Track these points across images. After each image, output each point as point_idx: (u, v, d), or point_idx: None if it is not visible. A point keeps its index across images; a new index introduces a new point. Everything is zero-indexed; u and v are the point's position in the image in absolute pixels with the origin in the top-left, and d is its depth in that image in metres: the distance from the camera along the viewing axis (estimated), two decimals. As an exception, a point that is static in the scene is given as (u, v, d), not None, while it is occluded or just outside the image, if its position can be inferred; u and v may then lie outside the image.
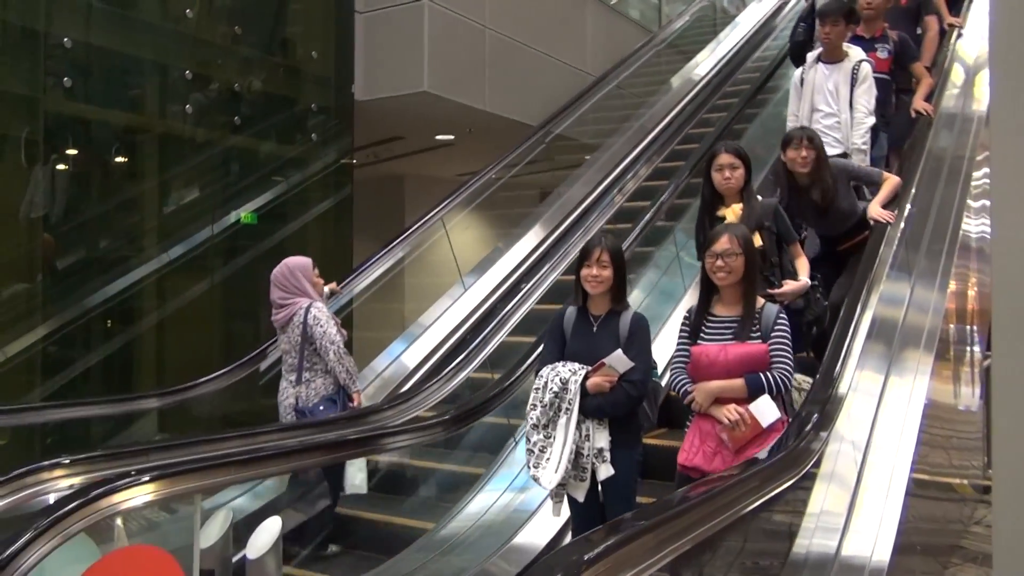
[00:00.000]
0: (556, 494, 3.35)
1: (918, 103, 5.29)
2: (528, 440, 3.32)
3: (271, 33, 7.59)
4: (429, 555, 4.23)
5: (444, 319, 6.07)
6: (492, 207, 7.19)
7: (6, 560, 2.40)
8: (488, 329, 5.68)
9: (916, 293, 4.40)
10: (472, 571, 3.97)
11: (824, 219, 4.45)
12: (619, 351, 3.25)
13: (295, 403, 4.51)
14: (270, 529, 3.37)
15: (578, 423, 3.26)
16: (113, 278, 6.17)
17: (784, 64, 7.36)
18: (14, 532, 2.49)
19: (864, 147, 4.94)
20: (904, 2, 6.08)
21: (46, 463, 3.11)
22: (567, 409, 3.26)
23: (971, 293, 5.15)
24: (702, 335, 3.27)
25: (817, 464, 3.08)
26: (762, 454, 2.78)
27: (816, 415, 3.04)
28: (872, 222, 4.29)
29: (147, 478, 2.86)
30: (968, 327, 5.07)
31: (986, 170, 5.40)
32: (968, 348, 5.03)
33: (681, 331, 3.36)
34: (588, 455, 3.26)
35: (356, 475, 4.36)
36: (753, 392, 3.11)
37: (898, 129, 5.38)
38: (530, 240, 6.63)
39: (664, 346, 4.49)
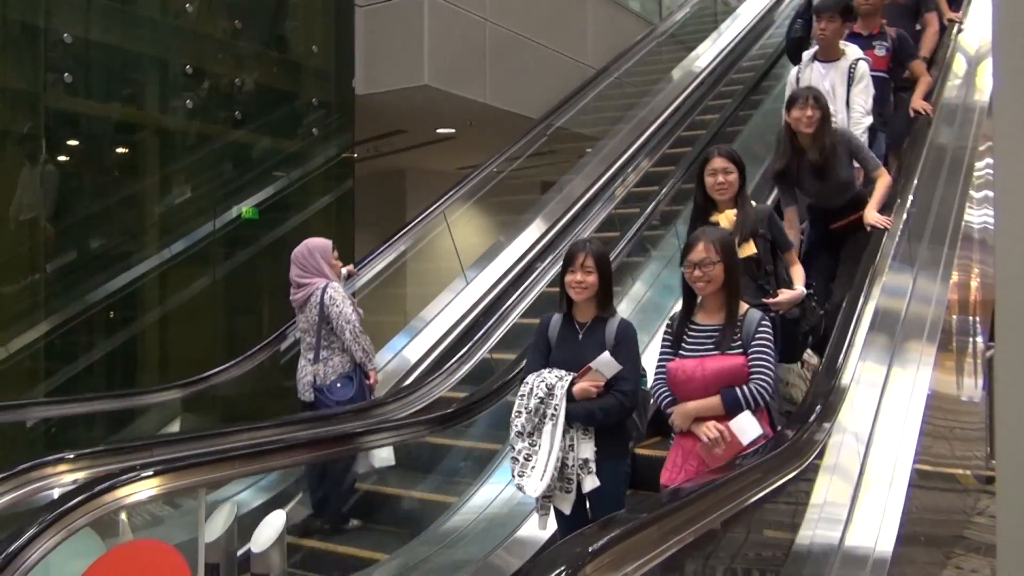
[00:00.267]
0: (542, 506, 3.23)
1: (917, 102, 5.22)
2: (512, 448, 3.20)
3: (271, 27, 7.58)
4: (433, 548, 4.24)
5: (446, 313, 6.08)
6: (494, 200, 7.19)
7: (12, 555, 2.40)
8: (491, 323, 5.67)
9: (918, 284, 4.40)
10: (476, 563, 3.98)
11: (823, 185, 4.35)
12: (606, 353, 3.15)
13: (313, 381, 4.65)
14: (274, 523, 3.38)
15: (564, 432, 3.15)
16: (115, 274, 6.17)
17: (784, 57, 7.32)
18: (19, 527, 2.49)
19: None
20: None
21: (50, 458, 3.10)
22: (552, 415, 3.14)
23: (973, 284, 5.14)
24: (684, 345, 3.13)
25: (820, 455, 3.09)
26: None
27: (819, 406, 3.05)
28: (869, 228, 4.23)
29: (151, 472, 2.87)
30: (970, 318, 5.08)
31: (988, 161, 5.39)
32: (971, 339, 5.03)
33: (663, 340, 3.23)
34: (573, 466, 3.14)
35: (383, 448, 4.40)
36: (731, 409, 2.97)
37: (896, 128, 5.29)
38: (532, 233, 6.63)
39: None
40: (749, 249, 3.72)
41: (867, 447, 3.45)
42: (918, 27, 5.86)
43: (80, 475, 3.09)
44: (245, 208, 7.02)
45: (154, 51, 6.51)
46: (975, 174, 5.30)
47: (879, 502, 3.29)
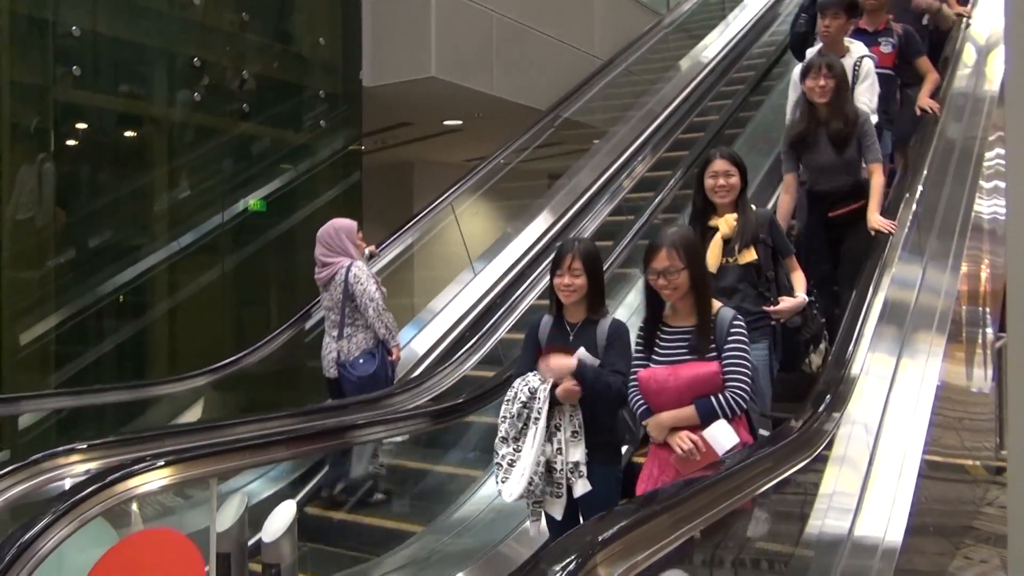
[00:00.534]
0: (533, 512, 3.16)
1: (923, 100, 5.12)
2: (496, 453, 3.14)
3: (278, 20, 7.58)
4: (442, 537, 4.26)
5: (454, 304, 6.09)
6: (501, 192, 7.19)
7: (25, 544, 2.42)
8: (499, 314, 5.68)
9: (928, 275, 4.39)
10: (486, 553, 3.99)
11: (837, 159, 4.27)
12: (582, 349, 3.09)
13: (337, 357, 4.81)
14: (285, 513, 3.39)
15: (549, 436, 3.07)
16: (123, 267, 6.19)
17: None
18: (32, 517, 2.51)
19: None
20: None
21: (61, 448, 3.13)
22: (535, 419, 3.06)
23: (983, 274, 5.12)
24: (657, 350, 3.00)
25: (829, 446, 3.08)
26: None
27: (828, 396, 3.05)
28: (873, 232, 4.16)
29: (163, 462, 2.89)
30: (980, 308, 5.06)
31: (998, 151, 5.36)
32: (980, 329, 5.01)
33: (636, 347, 3.09)
34: (562, 470, 3.05)
35: None
36: (705, 419, 2.84)
37: (902, 126, 5.20)
38: (540, 224, 6.62)
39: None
40: (750, 256, 3.63)
41: (876, 438, 3.45)
42: (924, 22, 5.78)
43: (92, 465, 3.12)
44: (253, 201, 7.04)
45: (162, 44, 6.52)
46: (985, 164, 5.27)
47: (888, 492, 3.28)
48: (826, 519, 3.14)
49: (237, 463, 3.36)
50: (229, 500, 3.30)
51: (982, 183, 5.16)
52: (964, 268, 4.64)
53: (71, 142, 6.00)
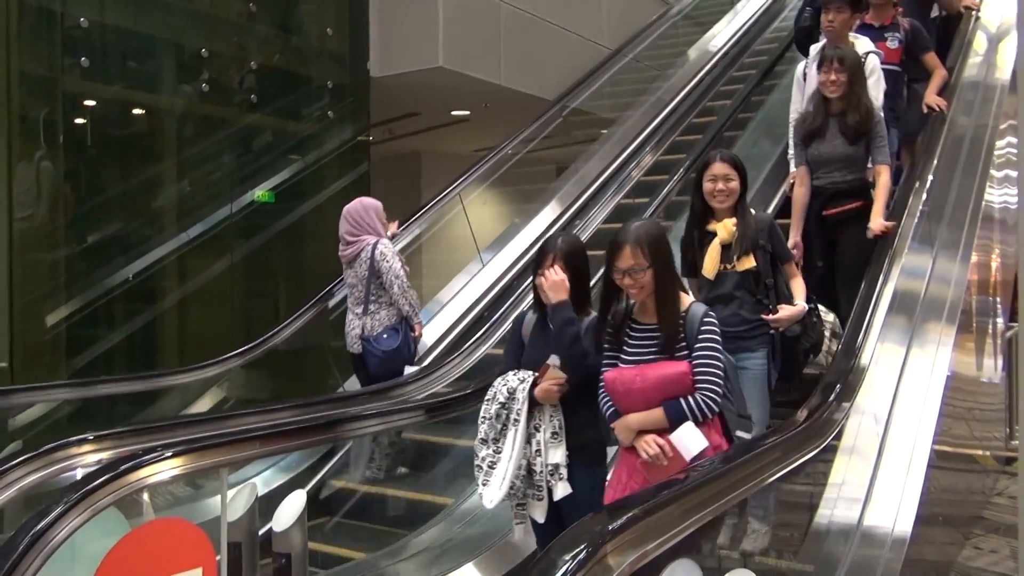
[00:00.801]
0: (517, 515, 3.09)
1: (930, 97, 5.01)
2: (476, 455, 3.07)
3: (285, 10, 7.57)
4: (454, 526, 4.28)
5: (462, 295, 6.09)
6: (509, 182, 7.18)
7: (38, 534, 2.44)
8: (506, 305, 5.68)
9: (938, 264, 4.37)
10: (496, 542, 4.00)
11: (843, 152, 4.20)
12: (554, 356, 3.01)
13: (361, 332, 4.90)
14: (295, 503, 3.41)
15: (529, 437, 3.00)
16: (132, 258, 6.21)
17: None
18: (45, 506, 2.53)
19: None
20: None
21: (73, 439, 3.14)
22: (515, 420, 2.99)
23: (993, 264, 5.11)
24: (626, 348, 2.87)
25: (839, 436, 3.08)
26: None
27: (838, 386, 3.05)
28: (875, 236, 4.07)
29: (173, 453, 2.90)
30: (990, 298, 5.04)
31: (1009, 139, 5.34)
32: (991, 319, 5.00)
33: (605, 343, 2.95)
34: (542, 472, 2.97)
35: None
36: (675, 422, 2.72)
37: (909, 123, 5.12)
38: (547, 215, 6.62)
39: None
40: (749, 262, 3.55)
41: (886, 428, 3.45)
42: (932, 15, 5.70)
43: (104, 455, 3.13)
44: (260, 192, 7.05)
45: (169, 35, 6.52)
46: (995, 153, 5.24)
47: (898, 482, 3.29)
48: (836, 509, 3.15)
49: (248, 453, 3.37)
50: (239, 490, 3.33)
51: (993, 172, 5.14)
52: (974, 258, 4.62)
53: (79, 133, 6.01)
